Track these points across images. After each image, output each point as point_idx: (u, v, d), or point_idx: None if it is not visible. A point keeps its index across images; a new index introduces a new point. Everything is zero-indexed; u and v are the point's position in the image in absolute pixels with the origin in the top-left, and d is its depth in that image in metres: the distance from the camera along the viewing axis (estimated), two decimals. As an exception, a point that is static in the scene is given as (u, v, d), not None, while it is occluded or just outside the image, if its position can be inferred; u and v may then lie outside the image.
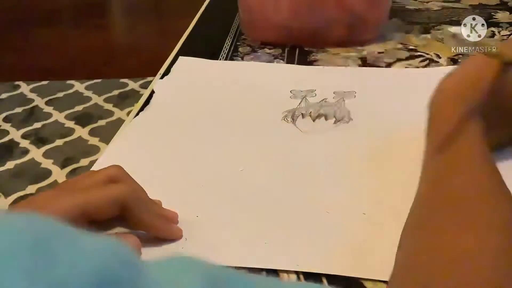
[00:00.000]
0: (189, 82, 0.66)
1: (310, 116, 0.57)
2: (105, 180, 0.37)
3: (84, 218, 0.35)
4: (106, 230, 0.38)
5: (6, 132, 1.65)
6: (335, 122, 0.55)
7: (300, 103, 0.59)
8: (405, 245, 0.32)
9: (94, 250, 0.16)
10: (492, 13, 0.88)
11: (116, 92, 1.88)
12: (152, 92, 0.63)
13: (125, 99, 1.83)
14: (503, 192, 0.33)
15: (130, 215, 0.37)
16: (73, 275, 0.15)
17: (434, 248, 0.29)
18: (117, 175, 0.38)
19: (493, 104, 0.41)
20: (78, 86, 1.92)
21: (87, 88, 1.90)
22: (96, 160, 0.50)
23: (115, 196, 0.36)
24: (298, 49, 0.75)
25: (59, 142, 1.60)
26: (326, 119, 0.56)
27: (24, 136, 1.62)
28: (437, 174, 0.36)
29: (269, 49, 0.76)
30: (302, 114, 0.57)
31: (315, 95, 0.61)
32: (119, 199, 0.36)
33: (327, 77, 0.66)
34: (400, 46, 0.76)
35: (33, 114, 1.75)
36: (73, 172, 1.44)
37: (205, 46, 0.78)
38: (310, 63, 0.71)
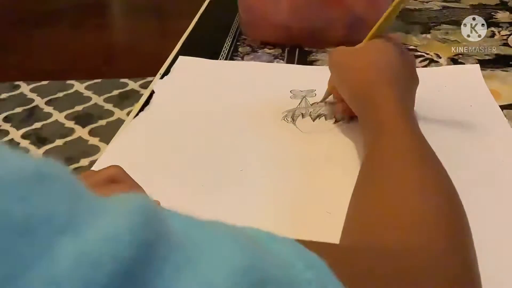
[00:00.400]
0: (189, 82, 0.66)
1: (310, 116, 0.57)
2: (106, 180, 0.37)
3: None
4: None
5: (6, 132, 1.66)
6: (335, 122, 0.55)
7: (300, 103, 0.59)
8: (353, 201, 0.36)
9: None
10: (492, 13, 0.88)
11: (116, 92, 1.88)
12: (152, 92, 0.63)
13: (125, 99, 1.84)
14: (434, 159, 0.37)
15: None
16: None
17: (379, 206, 0.33)
18: (117, 175, 0.38)
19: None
20: (78, 86, 1.92)
21: (87, 88, 1.91)
22: (96, 160, 0.50)
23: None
24: (298, 49, 0.75)
25: (59, 142, 1.60)
26: (326, 119, 0.56)
27: (24, 136, 1.63)
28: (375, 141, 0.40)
29: (269, 49, 0.76)
30: (302, 114, 0.57)
31: (315, 95, 0.61)
32: None
33: (327, 77, 0.66)
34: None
35: (33, 114, 1.75)
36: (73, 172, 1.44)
37: (205, 46, 0.78)
38: (310, 63, 0.71)
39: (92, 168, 0.48)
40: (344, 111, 0.53)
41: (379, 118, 0.41)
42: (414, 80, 0.49)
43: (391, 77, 0.45)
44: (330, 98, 0.60)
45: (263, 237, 0.21)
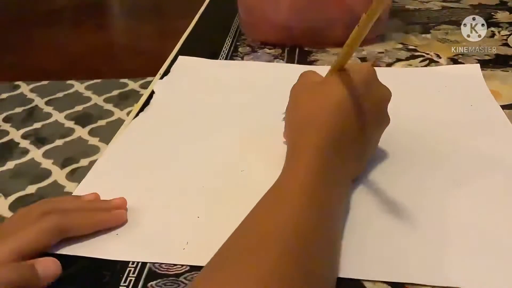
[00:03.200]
0: (189, 82, 0.66)
1: (310, 116, 0.57)
2: (38, 217, 0.38)
3: (29, 257, 0.36)
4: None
5: (6, 132, 1.65)
6: None
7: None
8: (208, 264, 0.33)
9: None
10: (492, 13, 0.88)
11: (116, 92, 1.88)
12: (152, 92, 0.62)
13: (125, 99, 1.84)
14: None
15: (73, 232, 0.39)
16: None
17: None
18: (48, 209, 0.39)
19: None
20: (78, 86, 1.92)
21: (87, 88, 1.91)
22: (96, 160, 0.50)
23: (45, 228, 0.37)
24: (298, 49, 0.75)
25: (59, 142, 1.60)
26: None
27: (24, 136, 1.63)
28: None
29: (269, 49, 0.76)
30: (302, 114, 0.57)
31: (315, 95, 0.61)
32: (51, 229, 0.37)
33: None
34: (400, 46, 0.76)
35: (33, 114, 1.75)
36: (73, 172, 1.44)
37: (205, 46, 0.78)
38: (310, 63, 0.71)
39: (92, 169, 0.48)
40: None
41: (289, 165, 0.39)
42: (381, 122, 0.44)
43: (327, 126, 0.39)
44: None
45: None
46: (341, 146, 0.40)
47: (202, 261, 0.37)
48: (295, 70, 0.69)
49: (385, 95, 0.44)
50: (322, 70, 0.68)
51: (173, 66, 0.69)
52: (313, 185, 0.36)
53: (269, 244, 0.31)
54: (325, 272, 0.33)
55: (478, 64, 0.68)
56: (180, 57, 0.71)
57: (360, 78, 0.42)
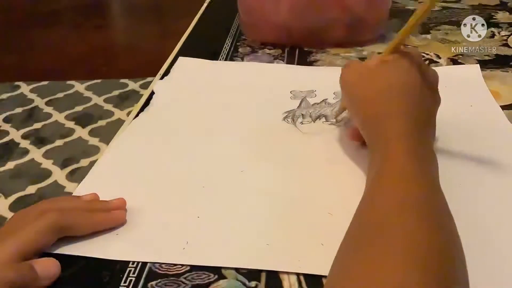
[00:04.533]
0: (188, 82, 0.66)
1: (311, 116, 0.57)
2: (37, 216, 0.38)
3: (29, 257, 0.36)
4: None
5: (6, 133, 1.65)
6: (336, 123, 0.55)
7: (300, 104, 0.59)
8: (337, 262, 0.32)
9: None
10: (492, 13, 0.88)
11: (116, 92, 1.88)
12: (152, 92, 0.63)
13: (125, 100, 1.84)
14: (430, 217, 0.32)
15: (71, 230, 0.39)
16: None
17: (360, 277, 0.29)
18: (46, 208, 0.39)
19: None
20: (78, 87, 1.92)
21: (87, 88, 1.91)
22: (96, 160, 0.50)
23: (44, 226, 0.37)
24: (298, 49, 0.75)
25: (59, 142, 1.60)
26: (326, 119, 0.56)
27: (24, 137, 1.63)
28: (371, 189, 0.36)
29: (269, 49, 0.76)
30: (302, 114, 0.57)
31: (315, 95, 0.61)
32: (49, 226, 0.37)
33: (327, 78, 0.66)
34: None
35: (33, 114, 1.75)
36: (73, 172, 1.44)
37: (205, 46, 0.78)
38: (310, 63, 0.71)
39: (92, 170, 0.49)
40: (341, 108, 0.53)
41: (384, 156, 0.37)
42: (434, 101, 0.45)
43: (404, 107, 0.40)
44: (331, 98, 0.60)
45: None
46: (421, 126, 0.40)
47: (202, 261, 0.37)
48: (295, 71, 0.70)
49: (435, 76, 0.45)
50: (322, 70, 0.69)
51: (173, 67, 0.69)
52: (418, 169, 0.36)
53: (409, 224, 0.30)
54: (456, 235, 0.32)
55: (478, 65, 0.68)
56: (180, 58, 0.71)
57: (413, 61, 0.43)
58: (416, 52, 0.45)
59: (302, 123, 0.55)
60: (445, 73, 0.68)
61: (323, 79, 0.65)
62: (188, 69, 0.69)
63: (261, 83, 0.65)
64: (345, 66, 0.48)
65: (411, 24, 0.42)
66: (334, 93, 0.61)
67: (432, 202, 0.33)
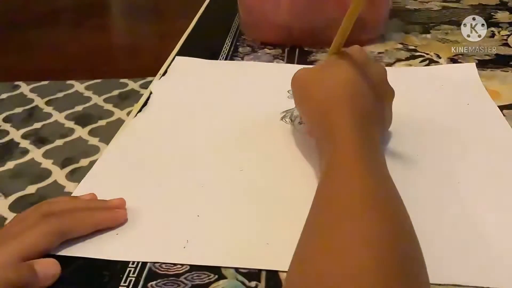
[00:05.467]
0: (186, 82, 0.66)
1: (310, 116, 0.57)
2: (38, 220, 0.38)
3: (30, 259, 0.36)
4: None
5: (6, 132, 1.66)
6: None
7: (299, 103, 0.59)
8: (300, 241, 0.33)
9: None
10: (492, 13, 0.88)
11: (116, 92, 1.89)
12: (151, 92, 0.63)
13: (125, 99, 1.84)
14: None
15: (73, 233, 0.39)
16: None
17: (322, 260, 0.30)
18: (47, 212, 0.39)
19: None
20: (78, 86, 1.92)
21: (87, 88, 1.91)
22: (96, 160, 0.50)
23: (46, 231, 0.37)
24: (298, 49, 0.75)
25: (59, 142, 1.60)
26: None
27: (24, 136, 1.63)
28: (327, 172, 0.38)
29: (269, 49, 0.76)
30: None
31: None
32: (52, 232, 0.37)
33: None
34: (400, 46, 0.76)
35: (33, 114, 1.75)
36: (73, 172, 1.44)
37: (205, 46, 0.78)
38: (310, 63, 0.71)
39: (92, 170, 0.49)
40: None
41: (333, 148, 0.39)
42: (386, 94, 0.46)
43: (347, 100, 0.42)
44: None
45: None
46: (364, 117, 0.41)
47: (202, 260, 0.37)
48: (293, 70, 0.70)
49: (381, 69, 0.47)
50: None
51: (170, 66, 0.69)
52: (368, 157, 0.37)
53: (359, 211, 0.32)
54: (411, 228, 0.33)
55: (474, 63, 0.68)
56: (177, 57, 0.71)
57: (356, 57, 0.45)
58: (357, 50, 0.47)
59: (300, 123, 0.55)
60: (441, 72, 0.68)
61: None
62: (186, 69, 0.69)
63: (259, 82, 0.65)
64: (294, 74, 0.49)
65: (345, 26, 0.45)
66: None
67: (380, 190, 0.35)
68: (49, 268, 0.36)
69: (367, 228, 0.30)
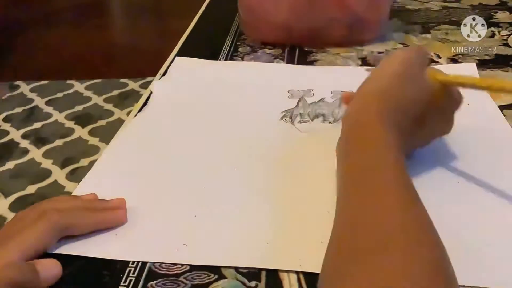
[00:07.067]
0: (186, 82, 0.66)
1: (308, 116, 0.57)
2: (37, 217, 0.38)
3: (30, 258, 0.36)
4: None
5: (6, 132, 1.66)
6: (333, 122, 0.55)
7: (298, 103, 0.59)
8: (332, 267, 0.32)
9: None
10: (492, 13, 0.88)
11: (116, 92, 1.89)
12: (151, 92, 0.63)
13: (125, 99, 1.84)
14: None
15: (72, 230, 0.39)
16: None
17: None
18: (46, 209, 0.39)
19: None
20: (78, 86, 1.92)
21: (87, 88, 1.91)
22: (96, 160, 0.50)
23: (45, 227, 0.37)
24: (298, 49, 0.75)
25: (59, 142, 1.60)
26: (324, 118, 0.56)
27: (24, 136, 1.63)
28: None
29: (269, 49, 0.76)
30: (300, 114, 0.57)
31: (313, 94, 0.61)
32: (50, 227, 0.37)
33: (325, 77, 0.66)
34: (400, 46, 0.76)
35: (33, 114, 1.75)
36: (73, 172, 1.44)
37: (205, 46, 0.78)
38: (310, 63, 0.71)
39: (91, 169, 0.49)
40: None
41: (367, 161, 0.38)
42: (437, 112, 0.45)
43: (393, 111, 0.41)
44: (328, 98, 0.60)
45: None
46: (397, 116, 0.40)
47: (201, 260, 0.37)
48: (293, 70, 0.70)
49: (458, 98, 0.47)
50: (320, 70, 0.69)
51: (170, 66, 0.69)
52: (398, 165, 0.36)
53: (396, 238, 0.30)
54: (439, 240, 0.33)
55: (474, 63, 0.68)
56: (177, 57, 0.71)
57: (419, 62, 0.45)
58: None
59: (300, 122, 0.55)
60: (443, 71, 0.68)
61: (321, 79, 0.65)
62: (186, 69, 0.69)
63: (258, 82, 0.65)
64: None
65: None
66: (331, 92, 0.61)
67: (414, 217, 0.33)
68: (50, 268, 0.36)
69: (415, 257, 0.29)
